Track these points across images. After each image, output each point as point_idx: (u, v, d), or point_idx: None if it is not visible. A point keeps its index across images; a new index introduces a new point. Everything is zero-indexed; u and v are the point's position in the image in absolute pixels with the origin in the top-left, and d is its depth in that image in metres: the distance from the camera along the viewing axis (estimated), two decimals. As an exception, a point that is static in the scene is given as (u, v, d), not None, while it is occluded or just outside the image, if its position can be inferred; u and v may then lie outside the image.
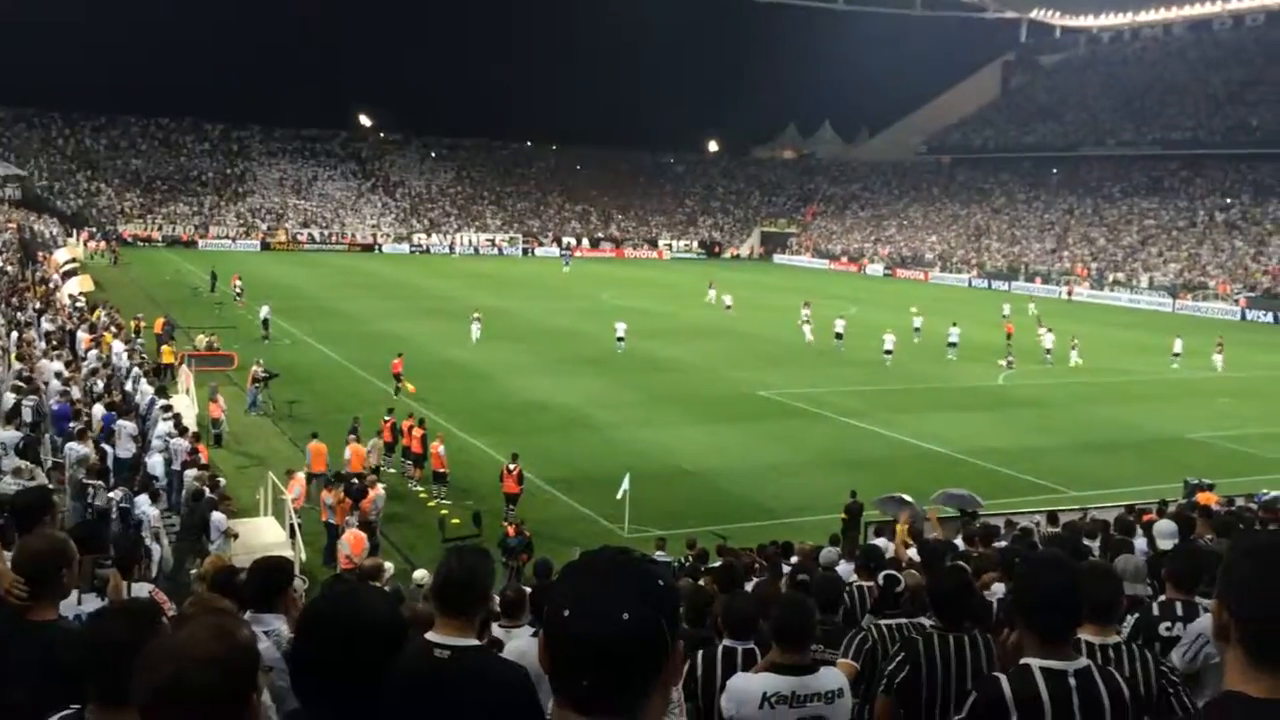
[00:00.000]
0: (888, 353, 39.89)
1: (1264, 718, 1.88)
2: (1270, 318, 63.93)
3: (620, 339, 40.66)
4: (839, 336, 42.91)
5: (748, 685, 4.50)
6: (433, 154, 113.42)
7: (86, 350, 25.87)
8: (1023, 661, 3.41)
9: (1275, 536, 2.15)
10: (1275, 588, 1.94)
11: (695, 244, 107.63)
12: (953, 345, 42.16)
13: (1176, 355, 43.02)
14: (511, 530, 17.31)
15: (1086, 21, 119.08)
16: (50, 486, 13.46)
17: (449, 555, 3.53)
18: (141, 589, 6.73)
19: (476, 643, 3.29)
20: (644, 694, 1.71)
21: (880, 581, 6.32)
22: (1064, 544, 10.00)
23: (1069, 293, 75.66)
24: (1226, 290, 69.72)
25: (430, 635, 3.21)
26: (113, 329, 30.51)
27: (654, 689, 1.72)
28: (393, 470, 22.97)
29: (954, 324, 43.40)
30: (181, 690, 2.03)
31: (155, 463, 17.24)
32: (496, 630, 7.14)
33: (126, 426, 18.42)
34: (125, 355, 26.39)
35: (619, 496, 19.27)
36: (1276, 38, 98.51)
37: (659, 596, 1.73)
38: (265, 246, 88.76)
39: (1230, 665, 1.99)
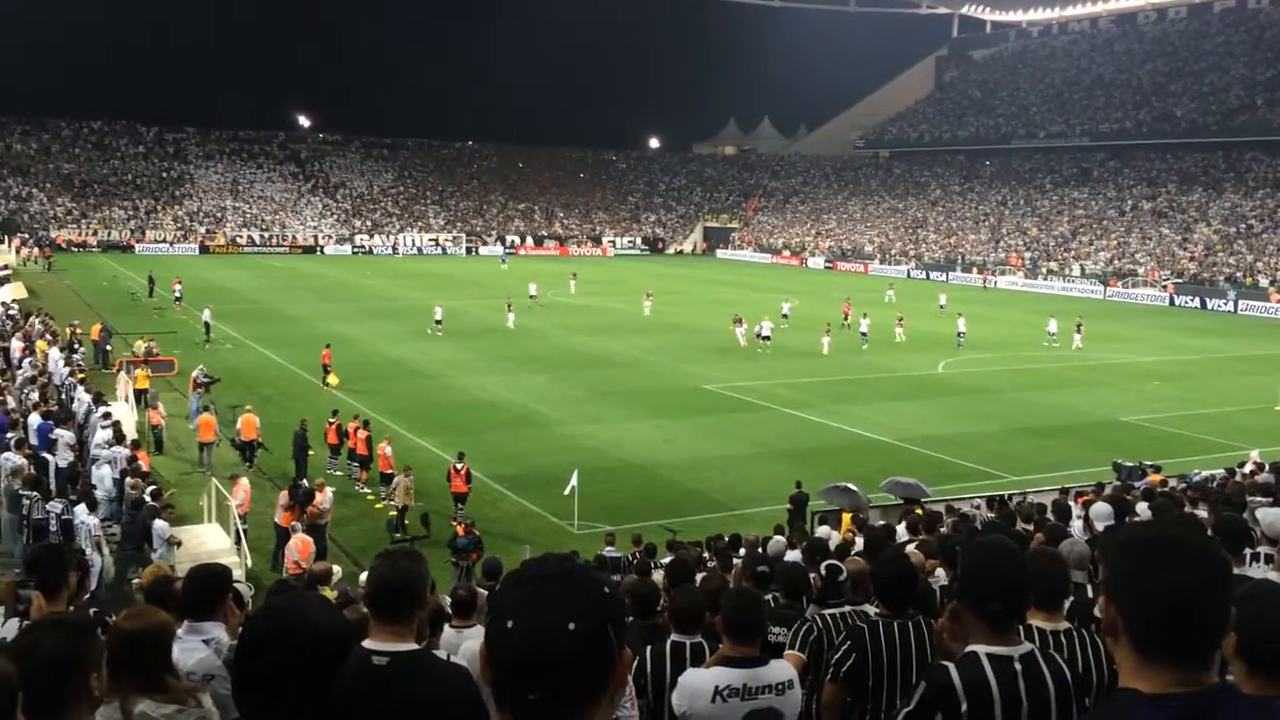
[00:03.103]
0: (765, 338, 41.00)
1: (1156, 714, 1.87)
2: (1197, 303, 65.68)
3: (438, 322, 42.96)
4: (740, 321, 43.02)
5: (699, 680, 4.50)
6: (373, 155, 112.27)
7: (20, 359, 25.28)
8: (970, 649, 3.40)
9: (1149, 529, 2.08)
10: (1157, 582, 1.90)
11: (639, 240, 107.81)
12: (864, 335, 42.83)
13: (1052, 334, 44.74)
14: (461, 530, 17.28)
15: (1015, 16, 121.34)
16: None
17: (380, 560, 3.37)
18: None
19: (415, 647, 3.19)
20: (591, 703, 1.68)
21: (823, 572, 6.41)
22: (1002, 529, 10.25)
23: (984, 282, 77.31)
24: (1155, 277, 71.53)
25: (367, 643, 3.11)
26: (48, 337, 29.83)
27: (601, 697, 1.69)
28: (339, 473, 22.79)
29: (865, 315, 44.25)
30: None
31: (103, 474, 16.93)
32: (449, 631, 7.13)
33: (64, 435, 18.08)
34: (61, 363, 25.84)
35: (567, 492, 19.32)
36: (1198, 30, 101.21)
37: (604, 604, 1.70)
38: (204, 250, 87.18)
39: (1121, 662, 1.97)
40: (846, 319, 46.51)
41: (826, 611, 5.97)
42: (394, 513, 19.92)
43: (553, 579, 1.72)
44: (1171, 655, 1.90)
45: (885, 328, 44.35)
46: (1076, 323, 44.71)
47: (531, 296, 52.80)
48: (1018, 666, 3.35)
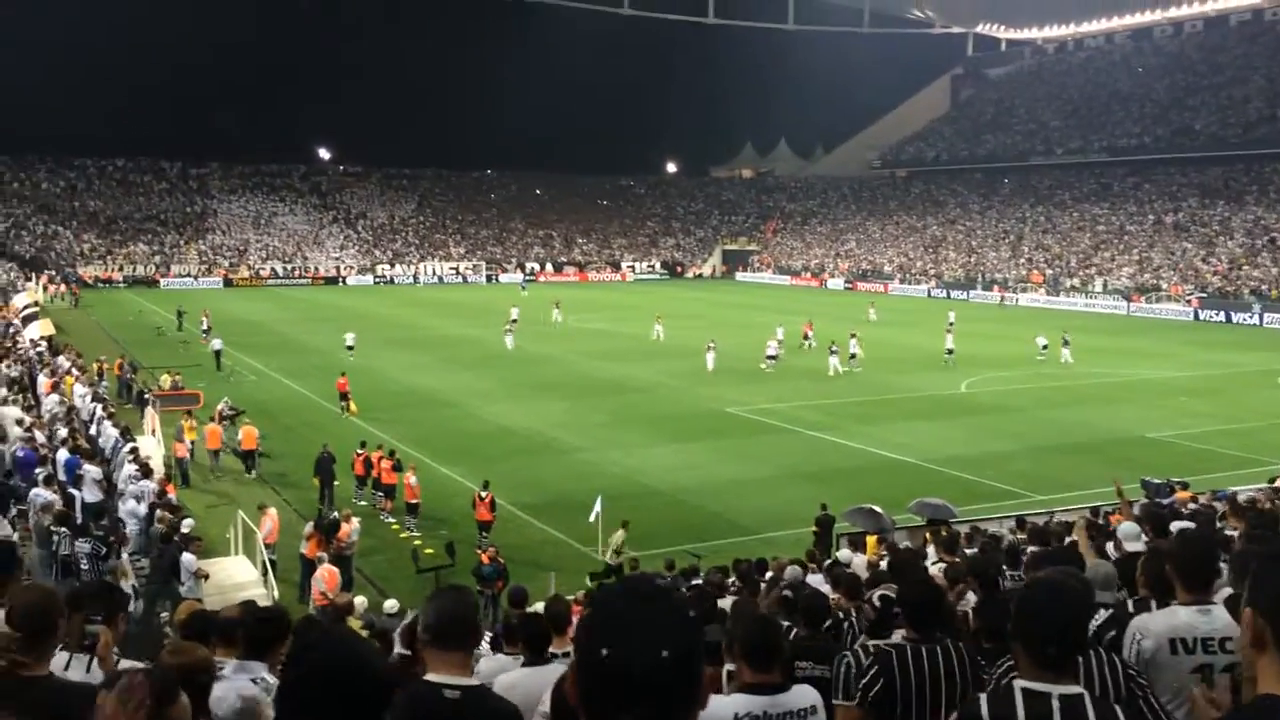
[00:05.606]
0: (772, 358, 41.36)
1: None
2: (1222, 317, 65.12)
3: (350, 347, 43.17)
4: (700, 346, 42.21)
5: (718, 708, 4.38)
6: (393, 185, 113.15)
7: (47, 394, 25.55)
8: (1006, 681, 3.34)
9: None
10: None
11: (658, 265, 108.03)
12: (853, 357, 41.86)
13: (1044, 348, 44.86)
14: (485, 558, 17.29)
15: (1031, 34, 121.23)
16: (15, 536, 13.32)
17: (440, 594, 3.55)
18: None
19: (479, 682, 3.30)
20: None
21: (876, 602, 6.30)
22: (1058, 561, 10.11)
23: (1001, 300, 77.03)
24: (1179, 292, 70.98)
25: (431, 676, 3.15)
26: (74, 372, 30.16)
27: (689, 716, 1.78)
28: (364, 503, 22.86)
29: (852, 335, 43.25)
30: None
31: (131, 509, 17.05)
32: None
33: (91, 471, 18.21)
34: (89, 398, 26.10)
35: (591, 519, 19.30)
36: (1215, 43, 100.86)
37: (692, 629, 1.78)
38: (228, 283, 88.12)
39: (1264, 670, 2.03)
40: (807, 338, 46.51)
41: (872, 643, 5.80)
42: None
43: (644, 602, 1.78)
44: None
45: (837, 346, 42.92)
46: (1063, 337, 44.66)
47: (513, 320, 50.76)
48: (1055, 704, 3.15)
